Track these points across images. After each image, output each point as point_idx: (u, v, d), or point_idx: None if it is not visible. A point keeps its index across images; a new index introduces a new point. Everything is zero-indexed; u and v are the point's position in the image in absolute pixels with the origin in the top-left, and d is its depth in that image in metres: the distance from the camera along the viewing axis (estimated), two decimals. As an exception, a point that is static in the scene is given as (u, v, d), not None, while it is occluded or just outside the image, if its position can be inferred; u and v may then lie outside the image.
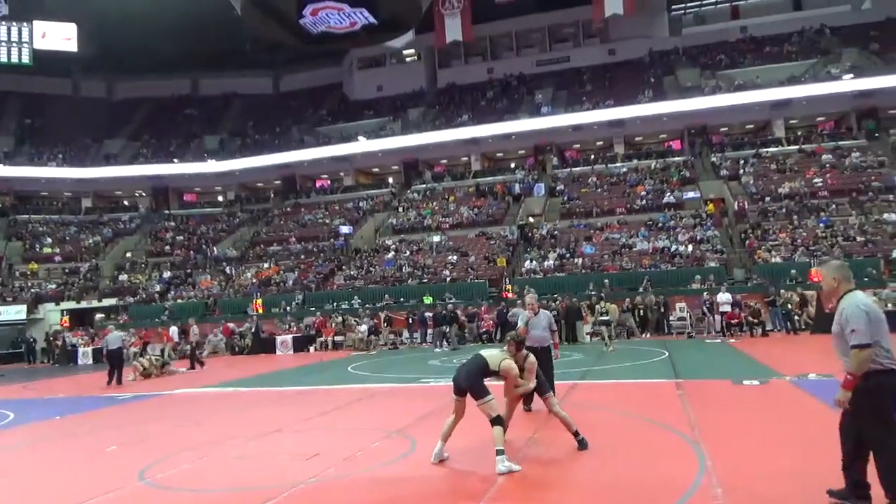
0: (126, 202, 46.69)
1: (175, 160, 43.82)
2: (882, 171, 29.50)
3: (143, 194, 45.96)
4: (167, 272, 34.89)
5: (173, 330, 22.03)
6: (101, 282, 34.88)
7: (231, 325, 25.37)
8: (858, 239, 24.36)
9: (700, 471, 5.57)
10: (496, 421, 6.01)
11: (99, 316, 30.56)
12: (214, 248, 37.37)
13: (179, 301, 30.61)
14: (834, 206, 27.60)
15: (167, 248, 38.30)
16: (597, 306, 20.38)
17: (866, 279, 21.10)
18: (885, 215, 25.70)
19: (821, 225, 26.09)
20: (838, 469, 4.51)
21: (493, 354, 6.40)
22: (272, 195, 44.86)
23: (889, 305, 17.82)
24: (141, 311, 30.05)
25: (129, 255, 38.16)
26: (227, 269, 33.85)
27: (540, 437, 7.22)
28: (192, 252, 37.38)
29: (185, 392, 13.63)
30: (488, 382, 6.29)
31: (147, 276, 34.84)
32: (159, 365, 17.92)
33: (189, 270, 35.11)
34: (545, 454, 6.60)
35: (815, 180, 29.69)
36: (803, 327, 19.20)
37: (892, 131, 33.88)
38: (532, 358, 6.80)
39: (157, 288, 32.90)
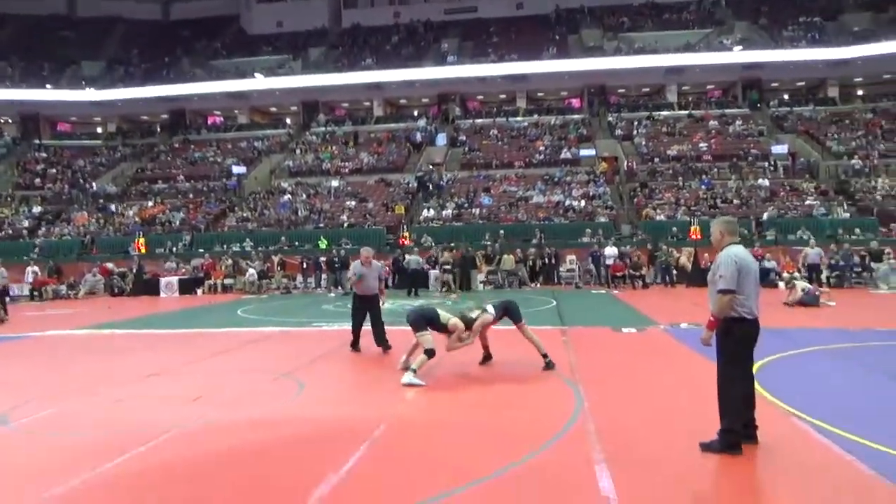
0: (-11, 129, 42.32)
1: (48, 86, 39.95)
2: (760, 140, 31.66)
3: (10, 121, 41.81)
4: (37, 207, 32.09)
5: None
6: (-40, 214, 31.68)
7: (110, 265, 23.82)
8: (735, 202, 26.11)
9: (576, 411, 5.84)
10: (428, 353, 7.16)
11: (-44, 252, 27.80)
12: (93, 184, 34.70)
13: (52, 238, 28.34)
14: (716, 169, 29.38)
15: (37, 180, 35.12)
16: (433, 250, 21.82)
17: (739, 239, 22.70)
18: (760, 181, 27.67)
19: (703, 187, 27.73)
20: (701, 409, 4.85)
21: (444, 314, 7.56)
22: (159, 130, 42.08)
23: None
24: (7, 249, 27.49)
25: (-8, 186, 34.78)
26: (108, 206, 31.59)
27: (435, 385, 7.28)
28: (66, 186, 34.52)
29: (55, 334, 12.70)
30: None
31: (14, 211, 31.92)
32: None
33: (63, 206, 32.49)
34: (435, 398, 6.68)
35: (701, 145, 31.41)
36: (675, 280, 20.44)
37: (773, 103, 36.37)
38: (481, 319, 7.65)
39: (26, 224, 30.26)
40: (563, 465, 4.47)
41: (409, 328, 7.44)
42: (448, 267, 20.68)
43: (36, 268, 22.84)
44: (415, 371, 7.03)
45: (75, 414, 6.34)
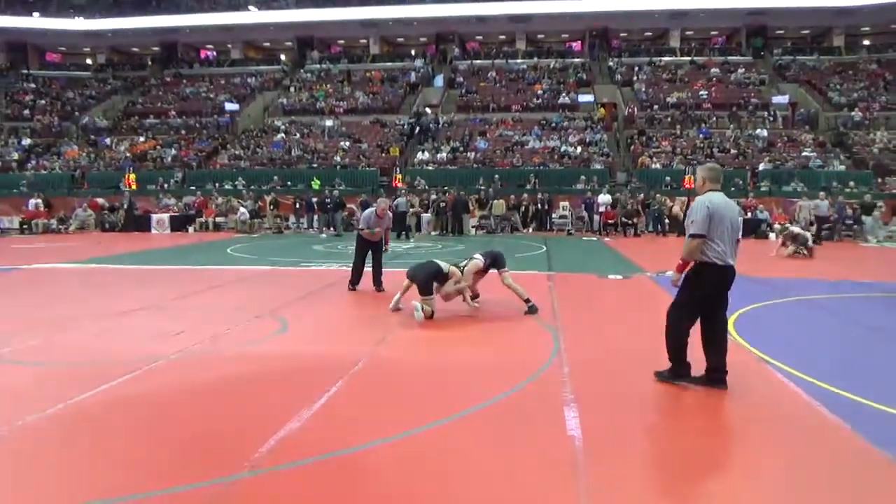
0: (-25, 57, 41.25)
1: (35, 13, 38.70)
2: (761, 89, 31.18)
3: (-3, 50, 40.77)
4: (27, 139, 31.64)
5: None
6: (-53, 146, 31.22)
7: (101, 199, 23.65)
8: (732, 151, 25.90)
9: (553, 353, 5.91)
10: (430, 315, 7.29)
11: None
12: (85, 117, 34.09)
13: (42, 171, 28.06)
14: (715, 118, 29.05)
15: (26, 112, 34.50)
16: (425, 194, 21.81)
17: (733, 189, 22.67)
18: (758, 131, 27.40)
19: (700, 135, 27.46)
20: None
21: (443, 264, 7.75)
22: (150, 62, 41.11)
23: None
24: (-4, 180, 27.33)
25: (-20, 117, 34.13)
26: (98, 141, 31.15)
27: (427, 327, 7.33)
28: (56, 118, 33.94)
29: (45, 267, 12.72)
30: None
31: (2, 143, 31.47)
32: None
33: (52, 139, 32.03)
34: (416, 338, 6.75)
35: (702, 92, 30.93)
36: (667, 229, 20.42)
37: (776, 52, 35.62)
38: (471, 265, 7.96)
39: (15, 156, 29.86)
40: (533, 404, 4.54)
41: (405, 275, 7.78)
42: (413, 210, 20.71)
43: (38, 200, 22.75)
44: (420, 309, 7.26)
45: (59, 345, 6.39)
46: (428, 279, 7.48)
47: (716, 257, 4.66)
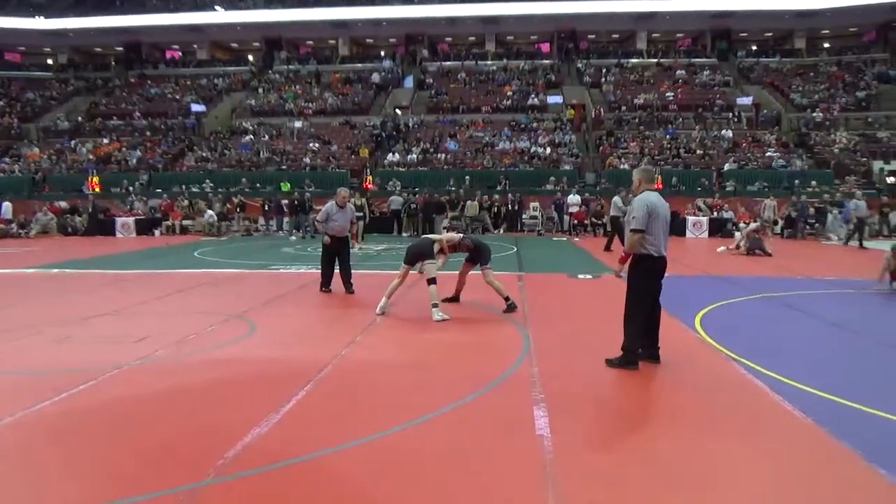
0: (-70, 56, 40.06)
1: (-7, 12, 37.73)
2: (726, 91, 31.77)
3: (-48, 49, 39.61)
4: (-16, 141, 30.80)
5: None
6: None
7: (63, 203, 23.08)
8: (698, 152, 26.32)
9: (522, 354, 5.92)
10: (432, 281, 7.55)
11: None
12: (46, 118, 33.25)
13: (0, 175, 27.30)
14: (681, 119, 29.49)
15: (-16, 113, 33.60)
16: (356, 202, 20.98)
17: (699, 189, 23.04)
18: (723, 132, 27.88)
19: (667, 136, 27.84)
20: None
21: (435, 237, 8.18)
22: (113, 63, 40.28)
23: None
24: (-48, 184, 26.50)
25: (-65, 118, 33.09)
26: (60, 143, 30.42)
27: (392, 325, 7.28)
28: (16, 120, 33.06)
29: (2, 272, 12.34)
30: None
31: (-41, 145, 30.58)
32: None
33: (12, 141, 31.18)
34: (387, 339, 6.70)
35: (668, 94, 31.38)
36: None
37: (740, 54, 36.36)
38: (448, 235, 8.32)
39: (-27, 159, 29.06)
40: (503, 405, 4.53)
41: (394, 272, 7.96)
42: (360, 214, 20.36)
43: (9, 203, 22.22)
44: (436, 305, 7.42)
45: (16, 353, 6.19)
46: (428, 248, 7.79)
47: (653, 250, 5.24)
